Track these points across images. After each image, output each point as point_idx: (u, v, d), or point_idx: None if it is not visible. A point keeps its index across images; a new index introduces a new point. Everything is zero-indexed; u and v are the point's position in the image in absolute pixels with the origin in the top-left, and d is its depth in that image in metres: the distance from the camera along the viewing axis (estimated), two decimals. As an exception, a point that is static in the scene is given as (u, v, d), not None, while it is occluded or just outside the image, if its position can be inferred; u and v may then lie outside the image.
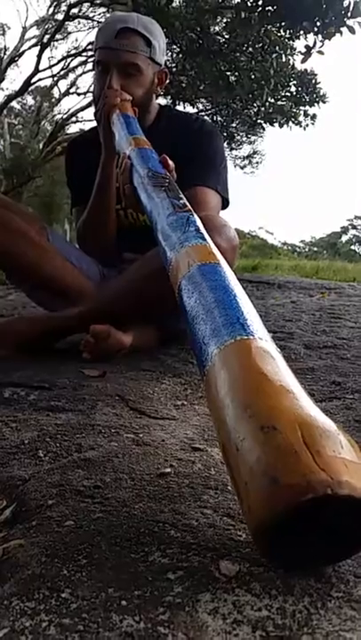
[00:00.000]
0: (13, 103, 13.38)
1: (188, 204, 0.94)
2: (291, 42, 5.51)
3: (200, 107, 7.79)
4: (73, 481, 0.65)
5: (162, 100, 6.26)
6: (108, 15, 8.45)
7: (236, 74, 5.91)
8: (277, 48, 5.60)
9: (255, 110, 6.62)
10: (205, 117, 7.26)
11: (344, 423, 0.88)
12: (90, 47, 10.77)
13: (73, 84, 13.15)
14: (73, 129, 12.93)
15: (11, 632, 0.41)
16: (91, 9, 9.69)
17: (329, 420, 0.48)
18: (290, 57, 5.99)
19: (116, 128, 1.33)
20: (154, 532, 0.53)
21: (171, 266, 0.80)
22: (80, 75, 12.80)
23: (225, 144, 8.82)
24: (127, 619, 0.41)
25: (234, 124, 7.89)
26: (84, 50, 11.34)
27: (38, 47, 10.98)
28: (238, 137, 9.43)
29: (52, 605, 0.43)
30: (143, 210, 1.09)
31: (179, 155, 1.20)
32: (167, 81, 1.54)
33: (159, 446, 0.76)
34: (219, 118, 7.64)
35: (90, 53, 10.80)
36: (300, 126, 6.73)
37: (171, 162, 1.15)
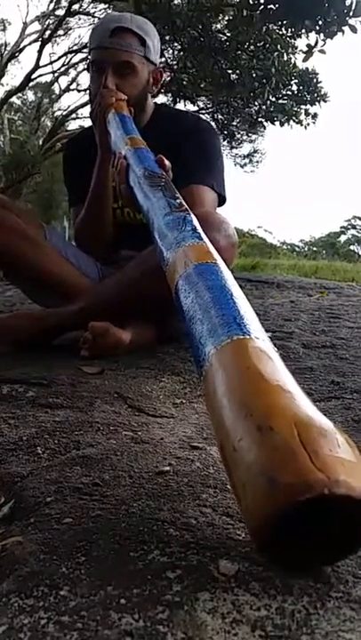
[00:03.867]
0: (13, 99, 13.34)
1: (184, 203, 0.94)
2: (292, 40, 5.48)
3: (201, 105, 7.76)
4: (71, 478, 0.65)
5: (162, 98, 6.24)
6: (109, 11, 8.42)
7: (238, 72, 5.89)
8: (279, 46, 5.58)
9: (256, 109, 6.60)
10: (205, 115, 7.25)
11: (343, 423, 0.88)
12: (91, 43, 10.72)
13: (73, 80, 13.12)
14: (73, 125, 12.90)
15: (9, 629, 0.40)
16: (92, 5, 9.66)
17: (326, 419, 0.47)
18: (291, 55, 5.97)
19: (111, 128, 1.33)
20: (153, 531, 0.53)
21: (167, 266, 0.80)
22: (81, 71, 12.76)
23: (225, 142, 8.81)
24: (126, 617, 0.41)
25: (234, 123, 7.86)
26: (85, 46, 11.30)
27: (39, 43, 10.95)
28: (239, 135, 9.40)
29: (50, 603, 0.43)
30: (139, 209, 1.08)
31: (175, 153, 1.20)
32: (163, 80, 1.54)
33: (158, 444, 0.76)
34: (219, 116, 7.61)
35: (91, 50, 10.74)
36: (301, 125, 6.71)
37: (167, 162, 1.15)
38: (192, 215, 0.88)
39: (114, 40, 1.41)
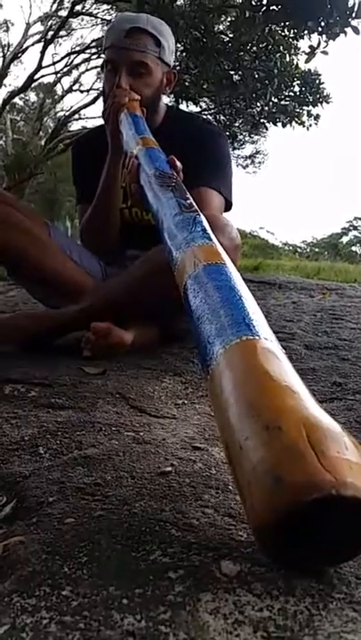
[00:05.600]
0: (16, 99, 13.38)
1: (194, 204, 0.94)
2: (295, 41, 5.47)
3: (203, 105, 7.76)
4: (73, 478, 0.65)
5: (165, 99, 6.23)
6: (111, 12, 8.44)
7: (240, 73, 5.89)
8: (281, 48, 5.57)
9: (258, 110, 6.60)
10: (208, 117, 7.26)
11: (345, 424, 0.88)
12: (93, 44, 10.77)
13: (76, 80, 13.16)
14: (75, 126, 12.94)
15: (11, 629, 0.41)
16: (94, 6, 9.69)
17: (333, 421, 0.47)
18: (294, 57, 5.96)
19: (123, 127, 1.33)
20: (155, 531, 0.53)
21: (177, 265, 0.80)
22: (83, 72, 12.80)
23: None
24: (128, 617, 0.41)
25: (237, 124, 7.86)
26: (88, 47, 11.33)
27: (42, 44, 10.98)
28: (241, 136, 9.41)
29: (52, 603, 0.43)
30: (149, 209, 1.09)
31: (185, 156, 1.20)
32: (176, 81, 1.54)
33: (160, 445, 0.76)
34: (222, 117, 7.61)
35: (93, 51, 10.80)
36: (304, 126, 6.70)
37: (178, 162, 1.15)
38: (202, 216, 0.88)
39: (129, 40, 1.41)
